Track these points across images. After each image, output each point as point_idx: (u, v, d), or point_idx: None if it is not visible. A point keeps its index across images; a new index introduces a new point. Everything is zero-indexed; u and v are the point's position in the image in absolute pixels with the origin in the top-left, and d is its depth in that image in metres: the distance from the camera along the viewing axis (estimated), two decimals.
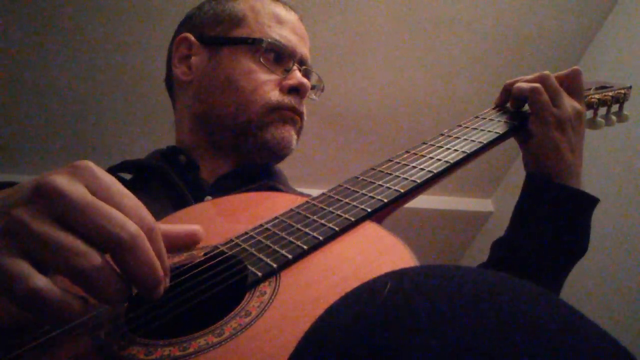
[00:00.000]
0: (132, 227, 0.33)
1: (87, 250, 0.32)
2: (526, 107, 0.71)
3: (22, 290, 0.30)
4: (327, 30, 1.55)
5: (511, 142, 0.72)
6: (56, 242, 0.31)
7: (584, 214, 0.66)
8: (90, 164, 0.36)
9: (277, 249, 0.45)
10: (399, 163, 0.59)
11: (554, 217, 0.65)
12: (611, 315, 1.48)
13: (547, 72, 0.70)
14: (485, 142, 0.62)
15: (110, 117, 1.60)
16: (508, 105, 0.73)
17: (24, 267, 0.31)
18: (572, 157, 0.67)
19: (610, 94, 0.76)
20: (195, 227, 0.43)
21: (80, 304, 0.32)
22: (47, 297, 0.30)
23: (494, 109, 0.73)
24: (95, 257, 0.32)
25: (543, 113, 0.66)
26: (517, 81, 0.72)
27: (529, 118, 0.68)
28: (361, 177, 0.57)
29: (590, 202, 0.66)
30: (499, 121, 0.68)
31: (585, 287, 1.56)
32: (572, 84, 0.70)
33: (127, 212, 0.34)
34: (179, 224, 0.55)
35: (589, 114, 0.77)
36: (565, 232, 0.65)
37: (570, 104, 0.68)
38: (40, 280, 0.30)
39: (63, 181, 0.33)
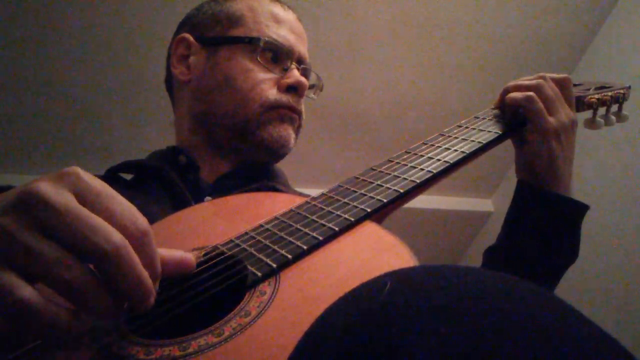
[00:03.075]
0: (115, 237, 0.32)
1: (70, 260, 0.31)
2: None
3: (8, 302, 0.29)
4: (327, 30, 1.55)
5: (511, 142, 0.71)
6: (39, 252, 0.30)
7: (575, 221, 0.66)
8: (78, 170, 0.35)
9: (277, 249, 0.45)
10: (398, 163, 0.59)
11: (545, 225, 0.65)
12: (611, 315, 1.48)
13: (542, 76, 0.68)
14: (484, 142, 0.62)
15: (111, 117, 1.60)
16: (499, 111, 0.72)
17: (10, 278, 0.30)
18: (564, 166, 0.66)
19: (610, 94, 0.76)
20: (186, 255, 0.41)
21: (67, 316, 0.31)
22: (34, 308, 0.30)
23: (493, 109, 0.73)
24: (78, 268, 0.31)
25: (539, 122, 0.65)
26: (517, 85, 0.70)
27: (526, 125, 0.67)
28: (361, 177, 0.57)
29: (580, 209, 0.66)
30: (498, 121, 0.68)
31: (585, 287, 1.56)
32: (562, 92, 0.69)
33: (118, 217, 0.33)
34: (178, 225, 0.55)
35: (589, 114, 0.77)
36: (557, 239, 0.65)
37: (566, 112, 0.67)
38: (28, 292, 0.30)
39: (48, 189, 0.32)
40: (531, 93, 0.66)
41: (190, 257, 0.41)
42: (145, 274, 0.33)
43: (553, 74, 0.70)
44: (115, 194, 0.35)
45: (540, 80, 0.68)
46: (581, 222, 0.67)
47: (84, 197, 0.33)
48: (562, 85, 0.69)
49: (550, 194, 0.65)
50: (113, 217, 0.33)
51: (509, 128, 0.66)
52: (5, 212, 0.32)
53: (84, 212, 0.32)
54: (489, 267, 0.70)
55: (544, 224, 0.65)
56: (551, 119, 0.65)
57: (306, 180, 1.72)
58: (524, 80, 0.70)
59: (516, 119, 0.68)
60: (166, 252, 0.40)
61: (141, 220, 0.35)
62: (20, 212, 0.31)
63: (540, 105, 0.65)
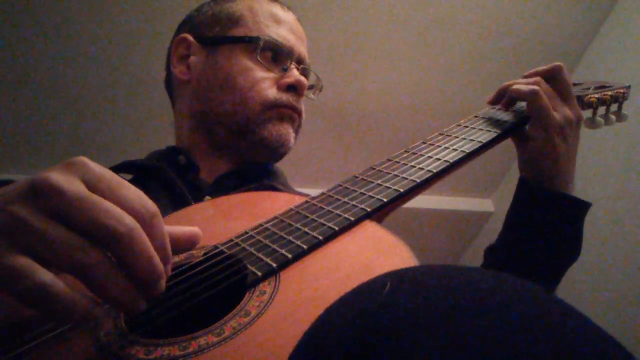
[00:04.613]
0: (128, 219, 0.33)
1: (85, 245, 0.31)
2: (521, 105, 0.71)
3: (28, 286, 0.30)
4: (327, 30, 1.54)
5: (511, 142, 0.71)
6: (54, 237, 0.31)
7: (576, 219, 0.65)
8: (85, 159, 0.35)
9: (277, 248, 0.44)
10: (398, 162, 0.59)
11: (546, 223, 0.64)
12: (611, 315, 1.48)
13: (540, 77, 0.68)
14: (484, 141, 0.62)
15: (110, 117, 1.60)
16: (499, 106, 0.72)
17: (28, 263, 0.30)
18: (567, 163, 0.66)
19: (610, 93, 0.76)
20: (194, 229, 0.43)
21: (86, 300, 0.32)
22: (54, 292, 0.30)
23: (493, 108, 0.73)
24: (93, 252, 0.31)
25: (543, 117, 0.64)
26: (515, 83, 0.69)
27: (529, 121, 0.66)
28: (361, 177, 0.57)
29: (582, 207, 0.65)
30: (499, 120, 0.68)
31: (585, 287, 1.56)
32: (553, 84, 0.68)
33: (128, 202, 0.34)
34: (178, 225, 0.55)
35: (589, 113, 0.77)
36: (558, 238, 0.64)
37: (571, 108, 0.66)
38: (46, 275, 0.30)
39: (59, 177, 0.33)
40: (536, 87, 0.65)
41: (197, 229, 0.42)
42: (156, 256, 0.34)
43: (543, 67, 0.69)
44: (122, 180, 0.36)
45: (538, 78, 0.67)
46: (583, 219, 0.66)
47: (93, 185, 0.34)
48: (553, 76, 0.67)
49: (551, 192, 0.65)
50: (123, 202, 0.34)
51: (510, 127, 0.66)
52: (17, 200, 0.32)
53: (96, 197, 0.33)
54: (489, 266, 0.69)
55: (545, 222, 0.64)
56: (556, 115, 0.64)
57: (306, 180, 1.72)
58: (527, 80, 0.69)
59: (519, 113, 0.68)
60: (173, 228, 0.41)
61: (150, 204, 0.35)
62: (32, 199, 0.32)
63: (545, 100, 0.64)
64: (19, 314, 0.33)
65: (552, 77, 0.67)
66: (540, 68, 0.69)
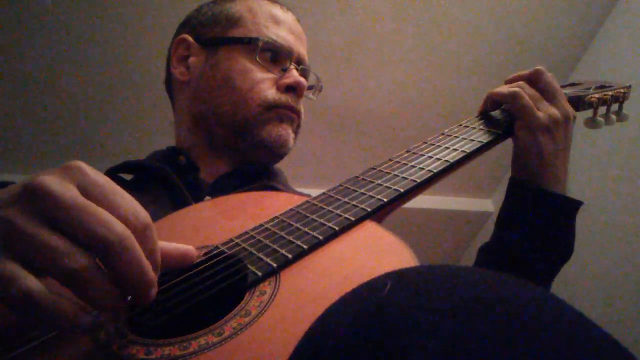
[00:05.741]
0: (119, 228, 0.32)
1: (75, 251, 0.31)
2: None
3: (13, 292, 0.29)
4: (327, 30, 1.55)
5: (511, 142, 0.71)
6: (44, 243, 0.31)
7: (565, 217, 0.65)
8: (82, 164, 0.35)
9: (277, 248, 0.44)
10: (399, 162, 0.59)
11: (535, 222, 0.64)
12: (611, 315, 1.48)
13: (537, 70, 0.68)
14: (485, 141, 0.62)
15: (110, 117, 1.60)
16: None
17: (15, 269, 0.30)
18: (556, 161, 0.65)
19: (610, 93, 0.76)
20: (189, 248, 0.42)
21: (72, 307, 0.31)
22: (39, 299, 0.30)
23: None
24: (83, 259, 0.31)
25: (526, 117, 0.64)
26: (498, 88, 0.70)
27: (515, 122, 0.66)
28: (361, 177, 0.57)
29: (571, 205, 0.64)
30: (499, 121, 0.68)
31: (584, 287, 1.56)
32: (535, 86, 0.68)
33: (121, 210, 0.34)
34: (178, 225, 0.55)
35: (589, 113, 0.77)
36: (548, 236, 0.64)
37: (560, 107, 0.66)
38: (31, 282, 0.30)
39: (53, 181, 0.32)
40: (517, 89, 0.66)
41: (192, 248, 0.42)
42: (148, 265, 0.34)
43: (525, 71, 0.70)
44: (118, 188, 0.35)
45: (521, 82, 0.68)
46: (574, 218, 0.65)
47: (88, 191, 0.34)
48: (534, 78, 0.68)
49: (539, 191, 0.64)
50: (116, 211, 0.34)
51: (510, 127, 0.66)
52: (10, 204, 0.32)
53: (89, 204, 0.33)
54: (482, 265, 0.69)
55: (534, 221, 0.64)
56: (540, 114, 0.64)
57: (306, 180, 1.72)
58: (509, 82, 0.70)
59: (509, 117, 0.68)
60: (168, 245, 0.40)
61: (143, 214, 0.35)
62: (25, 204, 0.32)
63: (526, 100, 0.64)
64: (10, 319, 0.33)
65: (534, 80, 0.68)
66: (520, 72, 0.70)
